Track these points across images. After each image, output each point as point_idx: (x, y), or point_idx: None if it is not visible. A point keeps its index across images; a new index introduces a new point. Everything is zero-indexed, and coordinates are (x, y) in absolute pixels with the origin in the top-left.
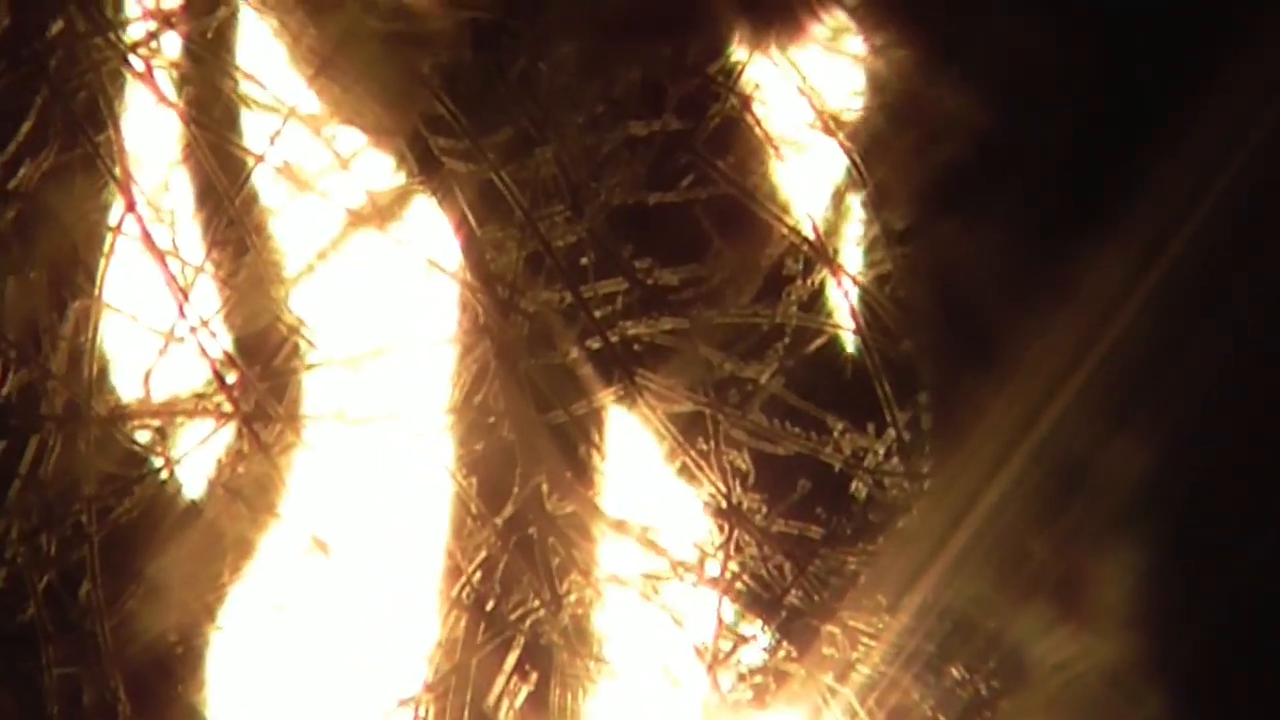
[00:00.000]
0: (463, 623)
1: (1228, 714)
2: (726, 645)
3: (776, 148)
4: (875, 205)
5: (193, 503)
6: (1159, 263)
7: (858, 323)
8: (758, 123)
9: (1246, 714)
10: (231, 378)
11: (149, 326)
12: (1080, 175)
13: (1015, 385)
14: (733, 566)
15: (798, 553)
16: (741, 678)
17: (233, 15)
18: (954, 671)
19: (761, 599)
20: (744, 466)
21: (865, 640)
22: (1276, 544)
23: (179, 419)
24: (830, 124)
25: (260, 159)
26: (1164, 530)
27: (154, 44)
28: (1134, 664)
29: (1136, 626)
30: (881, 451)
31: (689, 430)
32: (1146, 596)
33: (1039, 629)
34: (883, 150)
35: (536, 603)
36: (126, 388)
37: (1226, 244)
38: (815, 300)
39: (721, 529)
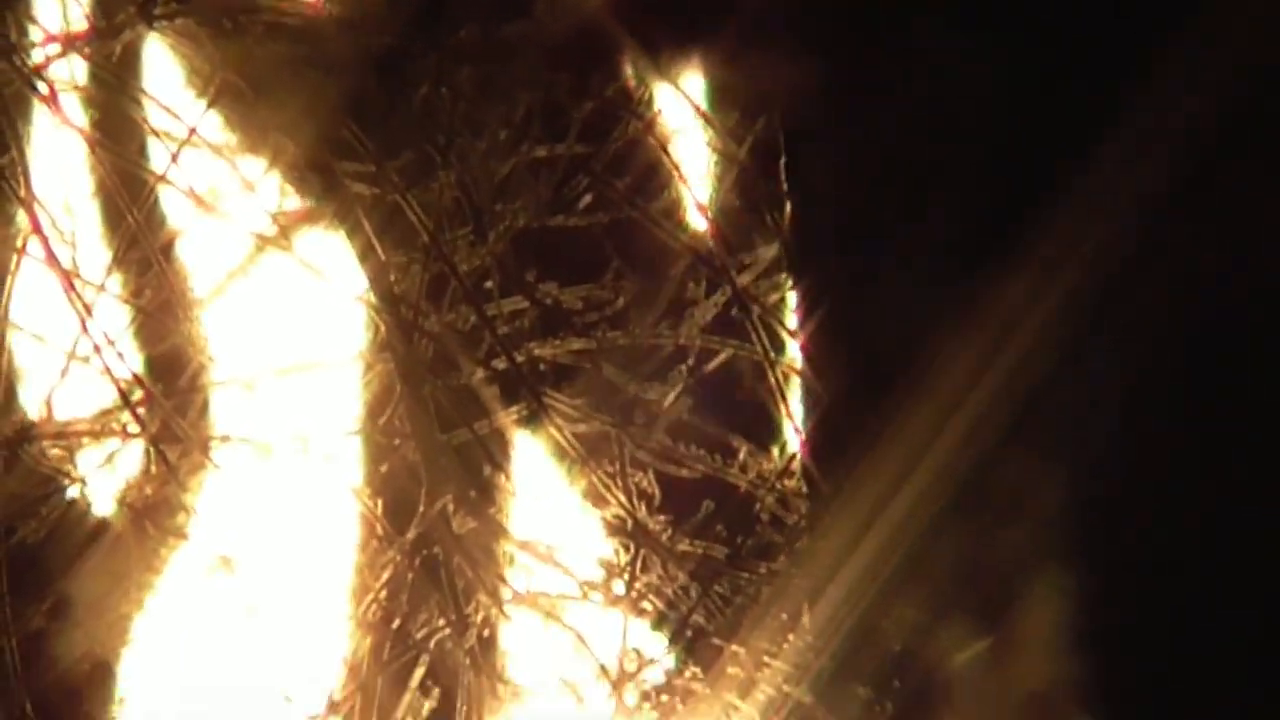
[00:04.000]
0: (368, 641)
1: None
2: (631, 664)
3: (679, 170)
4: (777, 226)
5: (100, 522)
6: (1071, 288)
7: (761, 344)
8: (660, 146)
9: None
10: (137, 398)
11: (55, 347)
12: (992, 202)
13: (921, 403)
14: (638, 586)
15: (702, 572)
16: (646, 697)
17: (138, 39)
18: (860, 691)
19: (666, 618)
20: (649, 487)
21: (769, 659)
22: (1207, 566)
23: (85, 439)
24: (731, 146)
25: (163, 180)
26: (1092, 551)
27: (59, 67)
28: (1062, 686)
29: (1065, 647)
30: (785, 471)
31: (594, 451)
32: (1077, 617)
33: (961, 650)
34: (783, 171)
35: (442, 622)
36: (32, 408)
37: (1140, 267)
38: (718, 321)
39: (627, 549)
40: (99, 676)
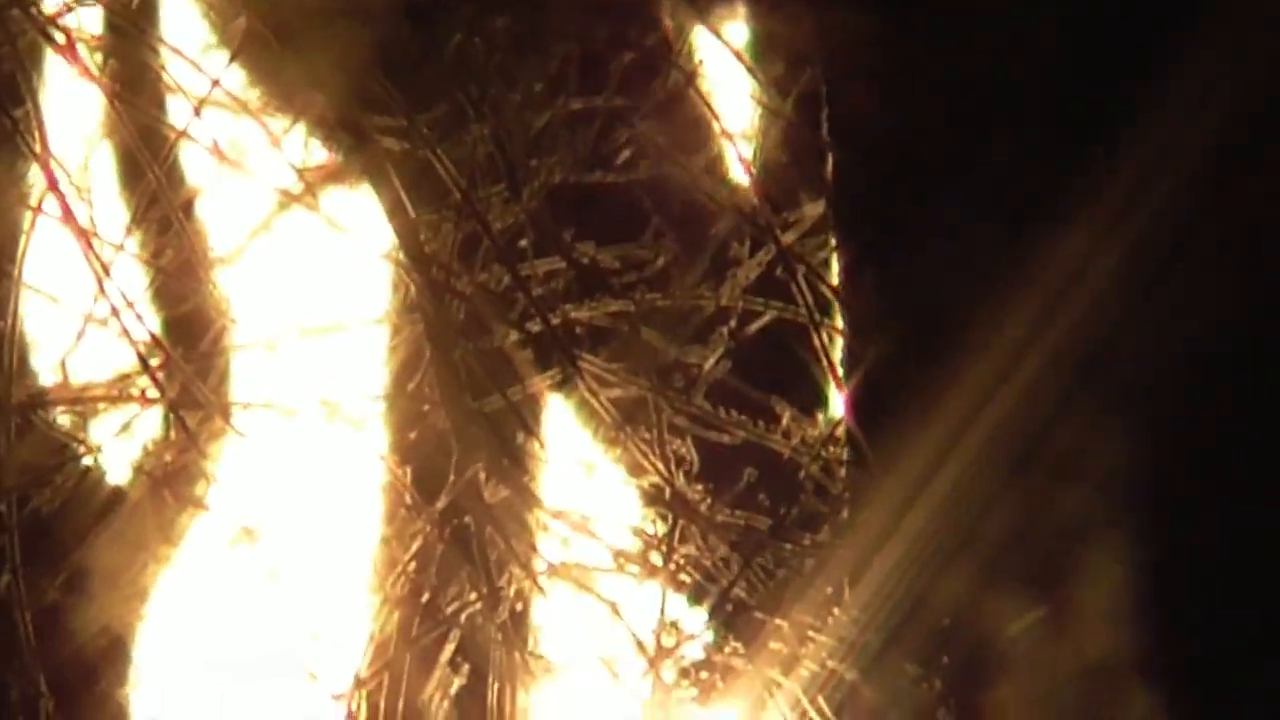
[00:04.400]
0: (396, 616)
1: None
2: (669, 640)
3: (721, 124)
4: (822, 182)
5: (116, 492)
6: (1130, 241)
7: (805, 305)
8: (701, 98)
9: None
10: (157, 361)
11: (70, 308)
12: (1047, 154)
13: (971, 364)
14: (676, 558)
15: (743, 543)
16: (685, 673)
17: None
18: (908, 668)
19: (706, 592)
20: (688, 454)
21: (813, 634)
22: (1268, 536)
23: (102, 405)
24: (775, 99)
25: (184, 135)
26: (1152, 522)
27: (74, 16)
28: (1122, 658)
29: (1124, 617)
30: (830, 438)
31: (631, 417)
32: (1137, 585)
33: (1015, 624)
34: (828, 125)
35: (473, 596)
36: (47, 372)
37: (1202, 220)
38: (761, 281)
39: (664, 519)
40: (115, 652)
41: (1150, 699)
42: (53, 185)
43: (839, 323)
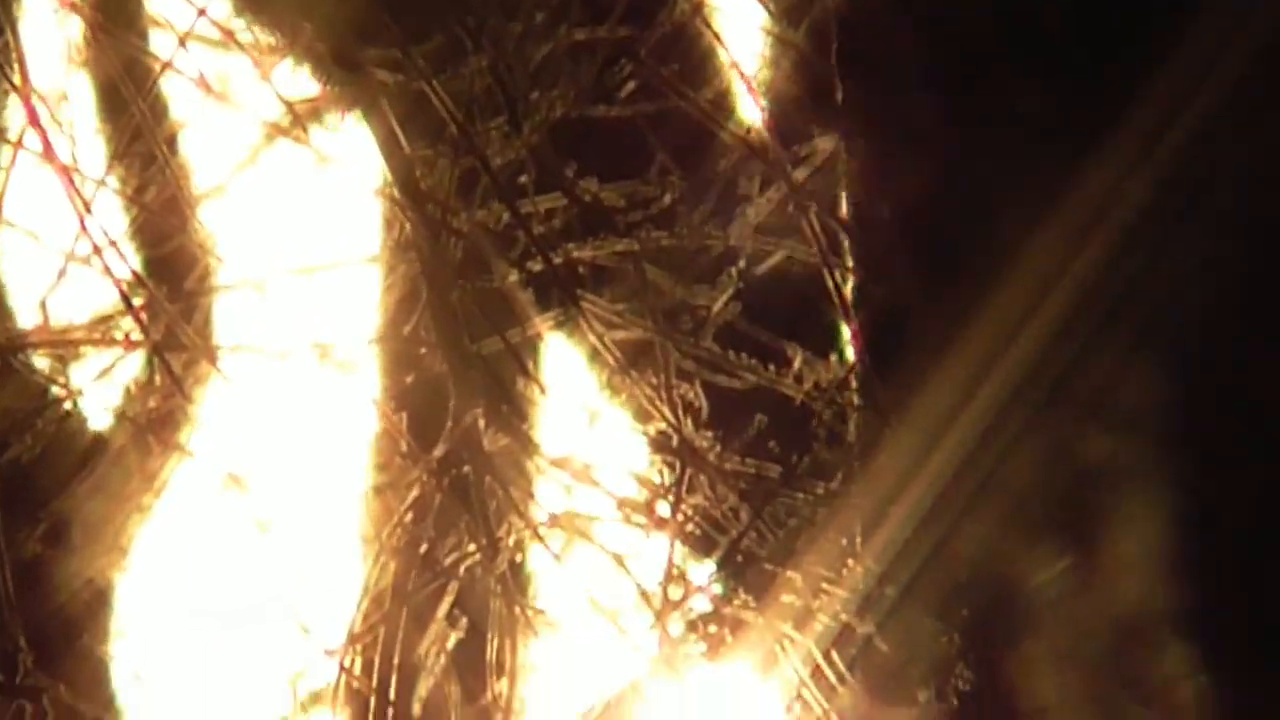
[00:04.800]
0: (391, 569)
1: (1257, 669)
2: (676, 592)
3: (730, 55)
4: (835, 116)
5: (99, 438)
6: (1163, 170)
7: (818, 244)
8: (709, 28)
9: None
10: (140, 302)
11: (51, 247)
12: (1074, 81)
13: (993, 303)
14: (683, 508)
15: (753, 492)
16: (693, 626)
17: None
18: (926, 622)
19: (714, 542)
20: (696, 399)
21: (826, 587)
22: None
23: (83, 347)
24: (786, 29)
25: (169, 66)
26: (1185, 466)
27: None
28: (1152, 613)
29: (1155, 571)
30: (844, 382)
31: (636, 360)
32: (1168, 538)
33: (1040, 575)
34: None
35: (472, 547)
36: (26, 314)
37: (1240, 148)
38: (772, 220)
39: (671, 467)
40: (97, 605)
41: (1183, 654)
42: (33, 120)
43: (851, 262)
